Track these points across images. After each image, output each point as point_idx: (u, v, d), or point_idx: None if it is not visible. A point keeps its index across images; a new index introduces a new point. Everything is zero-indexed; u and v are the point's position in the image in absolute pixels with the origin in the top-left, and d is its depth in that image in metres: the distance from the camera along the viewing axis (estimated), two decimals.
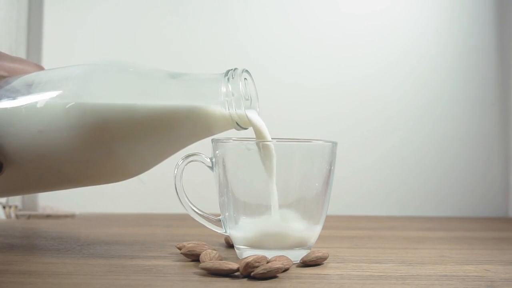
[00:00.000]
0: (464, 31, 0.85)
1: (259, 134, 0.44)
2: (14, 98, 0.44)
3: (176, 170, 0.46)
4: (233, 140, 0.45)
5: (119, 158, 0.43)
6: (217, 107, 0.43)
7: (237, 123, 0.44)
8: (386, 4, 0.84)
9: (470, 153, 0.84)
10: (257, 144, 0.43)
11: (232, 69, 0.44)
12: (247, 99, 0.45)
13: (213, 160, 0.45)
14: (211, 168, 0.46)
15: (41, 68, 0.50)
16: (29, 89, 0.44)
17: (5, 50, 0.72)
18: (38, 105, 0.43)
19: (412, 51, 0.84)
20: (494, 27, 0.85)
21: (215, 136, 0.46)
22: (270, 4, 0.84)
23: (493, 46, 0.85)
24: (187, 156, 0.46)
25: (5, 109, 0.44)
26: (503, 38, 0.85)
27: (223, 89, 0.43)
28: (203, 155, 0.46)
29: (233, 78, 0.43)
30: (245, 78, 0.45)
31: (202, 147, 0.47)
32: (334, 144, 0.45)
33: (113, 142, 0.43)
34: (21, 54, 0.79)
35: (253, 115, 0.44)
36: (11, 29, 0.77)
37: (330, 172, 0.45)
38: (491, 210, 0.84)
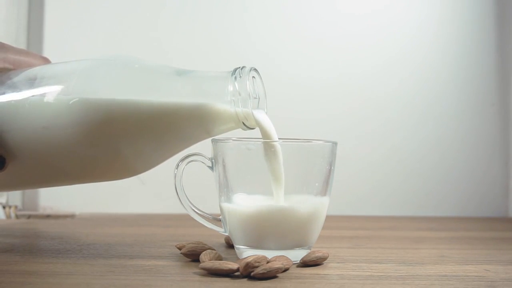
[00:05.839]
0: (464, 31, 0.85)
1: (266, 135, 0.43)
2: (17, 93, 0.44)
3: (176, 170, 0.46)
4: (233, 140, 0.44)
5: (123, 155, 0.43)
6: (224, 106, 0.43)
7: (243, 123, 0.43)
8: (386, 4, 0.84)
9: (470, 153, 0.84)
10: (263, 145, 0.43)
11: (239, 67, 0.43)
12: (255, 98, 0.44)
13: (213, 160, 0.45)
14: (211, 168, 0.46)
15: (46, 60, 0.49)
16: (32, 83, 0.44)
17: None
18: (41, 101, 0.43)
19: (412, 51, 0.84)
20: (494, 27, 0.85)
21: (215, 136, 0.46)
22: (270, 5, 0.84)
23: (493, 46, 0.85)
24: (187, 156, 0.46)
25: (9, 104, 0.44)
26: (503, 38, 0.85)
27: (230, 88, 0.42)
28: (203, 155, 0.46)
29: (240, 77, 0.43)
30: (253, 77, 0.44)
31: (202, 147, 0.47)
32: (334, 144, 0.45)
33: (117, 139, 0.42)
34: None
35: (260, 116, 0.43)
36: (12, 29, 0.77)
37: (330, 172, 0.45)
38: (491, 210, 0.84)
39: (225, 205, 0.44)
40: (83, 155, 0.43)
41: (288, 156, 0.43)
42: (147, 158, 0.45)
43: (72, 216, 0.75)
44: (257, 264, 0.39)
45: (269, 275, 0.39)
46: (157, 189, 0.78)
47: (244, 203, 0.43)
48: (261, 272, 0.38)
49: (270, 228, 0.43)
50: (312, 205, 0.43)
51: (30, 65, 0.48)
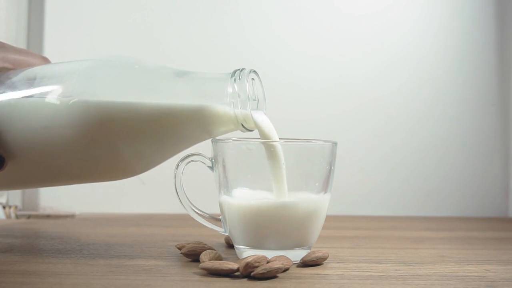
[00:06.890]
0: (464, 32, 0.85)
1: (265, 137, 0.43)
2: (17, 93, 0.44)
3: (176, 170, 0.46)
4: (233, 140, 0.44)
5: (123, 156, 0.43)
6: (223, 108, 0.43)
7: (242, 125, 0.43)
8: (386, 5, 0.84)
9: (471, 154, 0.84)
10: (264, 145, 0.43)
11: (239, 69, 0.43)
12: (254, 100, 0.45)
13: (213, 160, 0.45)
14: (211, 168, 0.46)
15: (46, 60, 0.49)
16: (32, 83, 0.44)
17: None
18: (41, 101, 0.43)
19: (412, 51, 0.84)
20: (494, 27, 0.85)
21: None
22: (270, 6, 0.84)
23: (493, 46, 0.85)
24: (187, 156, 0.46)
25: (8, 103, 0.44)
26: (503, 38, 0.85)
27: (230, 90, 0.43)
28: (203, 155, 0.46)
29: (240, 78, 0.43)
30: (252, 79, 0.44)
31: (202, 147, 0.47)
32: (334, 144, 0.45)
33: (116, 140, 0.42)
34: None
35: (259, 117, 0.43)
36: (12, 29, 0.77)
37: (330, 172, 0.45)
38: (491, 210, 0.84)
39: (225, 199, 0.44)
40: (82, 155, 0.43)
41: (288, 156, 0.43)
42: (146, 158, 0.45)
43: (72, 216, 0.75)
44: (257, 264, 0.39)
45: (269, 275, 0.39)
46: (157, 189, 0.78)
47: (244, 199, 0.43)
48: (261, 272, 0.38)
49: (270, 224, 0.43)
50: (312, 202, 0.43)
51: (30, 65, 0.48)
